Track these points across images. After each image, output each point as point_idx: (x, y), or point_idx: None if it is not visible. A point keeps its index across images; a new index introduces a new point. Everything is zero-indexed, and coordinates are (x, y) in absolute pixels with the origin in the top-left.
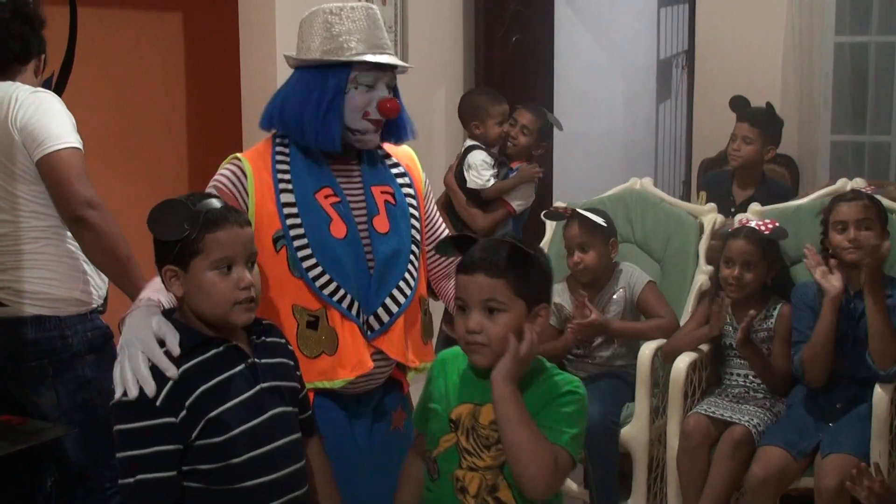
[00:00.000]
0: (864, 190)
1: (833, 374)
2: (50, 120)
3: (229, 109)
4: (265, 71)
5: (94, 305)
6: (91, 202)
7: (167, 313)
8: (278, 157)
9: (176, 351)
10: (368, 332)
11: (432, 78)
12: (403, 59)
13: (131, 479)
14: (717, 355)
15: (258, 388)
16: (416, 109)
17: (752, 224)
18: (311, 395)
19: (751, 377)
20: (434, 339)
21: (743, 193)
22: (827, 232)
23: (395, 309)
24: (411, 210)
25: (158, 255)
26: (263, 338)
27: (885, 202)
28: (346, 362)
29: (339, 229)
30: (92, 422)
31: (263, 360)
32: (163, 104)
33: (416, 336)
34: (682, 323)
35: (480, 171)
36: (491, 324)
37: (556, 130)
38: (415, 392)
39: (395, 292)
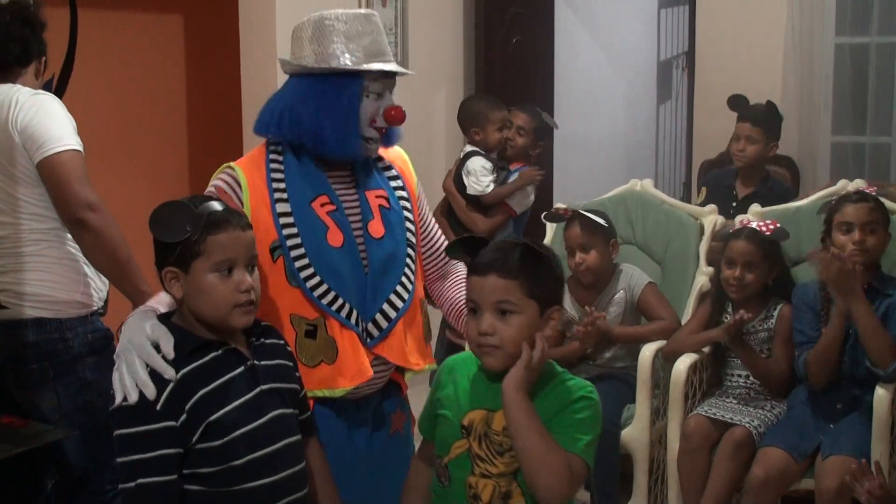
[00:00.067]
0: (868, 191)
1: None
2: (50, 122)
3: (229, 111)
4: (265, 73)
5: (95, 308)
6: (91, 205)
7: (165, 318)
8: (272, 166)
9: (170, 355)
10: (368, 340)
11: (432, 80)
12: (404, 61)
13: (132, 484)
14: (718, 357)
15: (258, 390)
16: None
17: (753, 225)
18: (312, 403)
19: (751, 378)
20: (433, 344)
21: (745, 190)
22: (830, 231)
23: (393, 314)
24: (405, 213)
25: (159, 257)
26: (262, 339)
27: (887, 204)
28: (346, 371)
29: (335, 238)
30: (92, 424)
31: (263, 362)
32: (163, 106)
33: (418, 338)
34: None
35: (479, 177)
36: (503, 325)
37: (556, 133)
38: (413, 393)
39: (393, 297)
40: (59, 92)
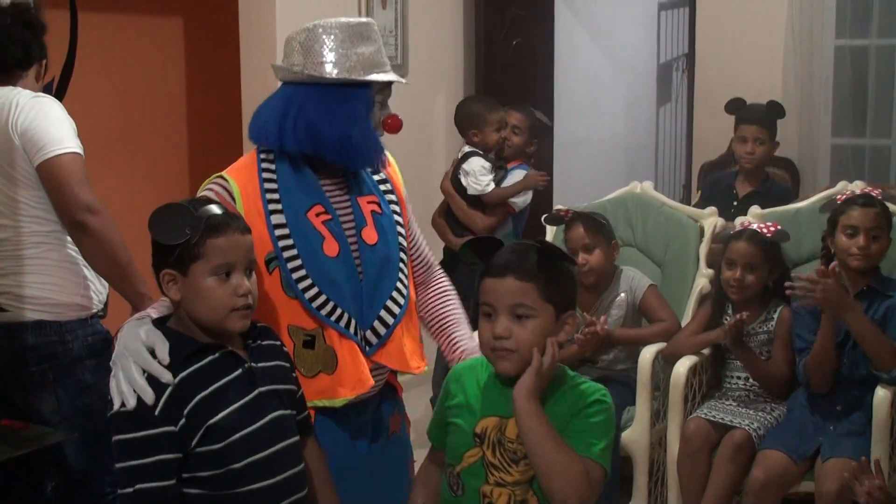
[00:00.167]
0: (874, 194)
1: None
2: (50, 125)
3: (229, 113)
4: (265, 75)
5: (95, 310)
6: (91, 207)
7: (160, 322)
8: (265, 175)
9: (166, 360)
10: (367, 348)
11: (432, 81)
12: (404, 62)
13: (130, 489)
14: (718, 359)
15: (256, 392)
16: (417, 112)
17: (754, 226)
18: (313, 413)
19: (751, 381)
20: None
21: (745, 189)
22: (833, 232)
23: (391, 321)
24: (396, 217)
25: (157, 259)
26: (259, 341)
27: (890, 206)
28: (346, 381)
29: (331, 248)
30: (92, 426)
31: (260, 364)
32: (163, 108)
33: (415, 340)
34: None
35: (479, 177)
36: (519, 329)
37: (556, 134)
38: (411, 396)
39: (389, 303)
40: (60, 95)
